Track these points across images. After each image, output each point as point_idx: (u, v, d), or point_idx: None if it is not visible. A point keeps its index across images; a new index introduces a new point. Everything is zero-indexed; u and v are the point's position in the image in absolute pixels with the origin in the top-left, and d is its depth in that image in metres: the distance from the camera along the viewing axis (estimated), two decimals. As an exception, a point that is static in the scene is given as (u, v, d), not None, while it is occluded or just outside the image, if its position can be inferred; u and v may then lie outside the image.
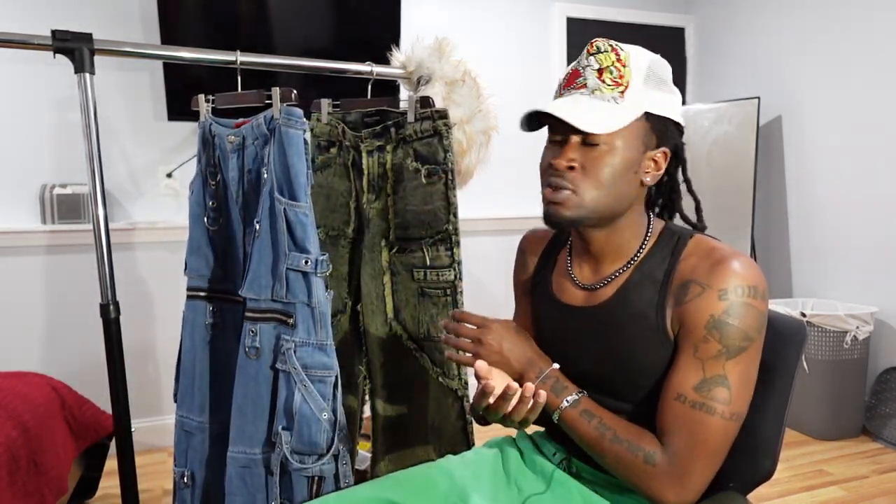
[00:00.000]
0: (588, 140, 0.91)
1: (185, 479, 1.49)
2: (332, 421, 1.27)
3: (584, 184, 0.92)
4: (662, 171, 0.97)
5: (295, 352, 1.26)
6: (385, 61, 1.65)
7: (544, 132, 1.00)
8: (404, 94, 1.66)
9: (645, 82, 0.92)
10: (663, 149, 0.96)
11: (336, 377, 1.29)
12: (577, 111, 0.89)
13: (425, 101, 1.39)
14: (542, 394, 0.87)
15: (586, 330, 1.00)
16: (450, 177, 1.38)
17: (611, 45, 0.93)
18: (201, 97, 1.47)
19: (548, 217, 0.95)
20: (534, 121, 0.98)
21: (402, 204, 1.42)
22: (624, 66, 0.91)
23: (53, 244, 2.43)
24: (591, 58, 0.93)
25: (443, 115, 1.37)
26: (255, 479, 1.33)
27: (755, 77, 3.17)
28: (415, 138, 1.39)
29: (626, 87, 0.91)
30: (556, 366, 0.98)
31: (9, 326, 2.41)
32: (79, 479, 2.04)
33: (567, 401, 0.93)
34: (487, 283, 3.08)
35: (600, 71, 0.92)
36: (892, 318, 2.61)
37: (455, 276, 1.40)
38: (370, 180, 1.46)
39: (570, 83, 0.94)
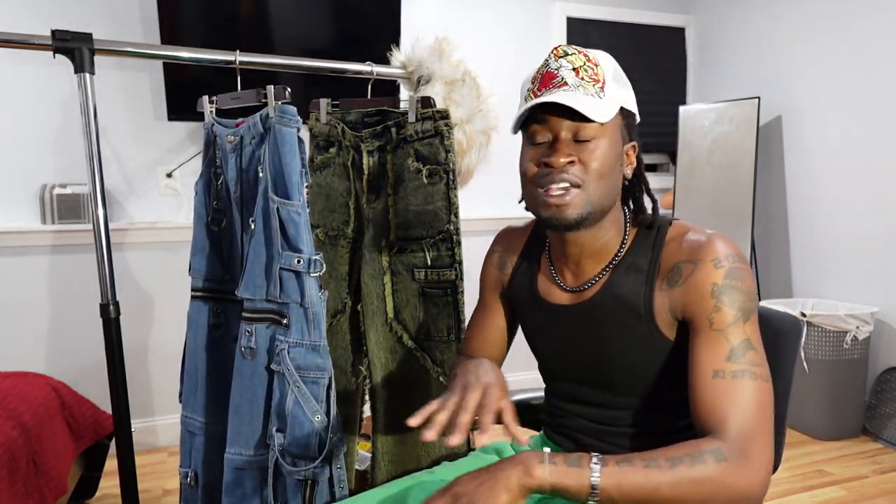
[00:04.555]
0: (580, 136, 0.90)
1: (190, 479, 1.49)
2: (324, 423, 1.24)
3: (586, 178, 0.90)
4: (634, 165, 0.99)
5: (288, 352, 1.24)
6: (385, 61, 1.65)
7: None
8: (404, 94, 1.66)
9: (614, 80, 0.93)
10: (633, 143, 0.99)
11: (330, 379, 1.26)
12: (577, 103, 0.87)
13: (426, 101, 1.39)
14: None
15: (576, 327, 1.00)
16: (451, 177, 1.38)
17: (576, 49, 0.93)
18: (205, 98, 1.48)
19: (555, 221, 0.91)
20: (519, 121, 0.95)
21: (403, 204, 1.42)
22: (595, 65, 0.92)
23: (53, 244, 2.43)
24: (562, 60, 0.92)
25: (444, 115, 1.37)
26: (250, 482, 1.32)
27: (755, 77, 3.18)
28: (416, 138, 1.39)
29: (603, 83, 0.91)
30: (547, 450, 0.84)
31: (9, 326, 2.41)
32: (79, 479, 2.04)
33: (594, 463, 0.78)
34: (487, 283, 3.08)
35: (576, 70, 0.91)
36: (892, 318, 2.61)
37: (456, 276, 1.40)
38: (370, 180, 1.46)
39: (546, 84, 0.92)
